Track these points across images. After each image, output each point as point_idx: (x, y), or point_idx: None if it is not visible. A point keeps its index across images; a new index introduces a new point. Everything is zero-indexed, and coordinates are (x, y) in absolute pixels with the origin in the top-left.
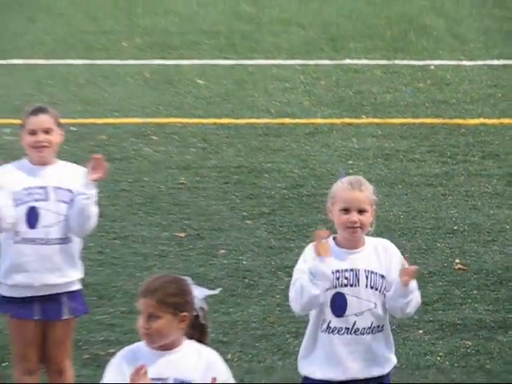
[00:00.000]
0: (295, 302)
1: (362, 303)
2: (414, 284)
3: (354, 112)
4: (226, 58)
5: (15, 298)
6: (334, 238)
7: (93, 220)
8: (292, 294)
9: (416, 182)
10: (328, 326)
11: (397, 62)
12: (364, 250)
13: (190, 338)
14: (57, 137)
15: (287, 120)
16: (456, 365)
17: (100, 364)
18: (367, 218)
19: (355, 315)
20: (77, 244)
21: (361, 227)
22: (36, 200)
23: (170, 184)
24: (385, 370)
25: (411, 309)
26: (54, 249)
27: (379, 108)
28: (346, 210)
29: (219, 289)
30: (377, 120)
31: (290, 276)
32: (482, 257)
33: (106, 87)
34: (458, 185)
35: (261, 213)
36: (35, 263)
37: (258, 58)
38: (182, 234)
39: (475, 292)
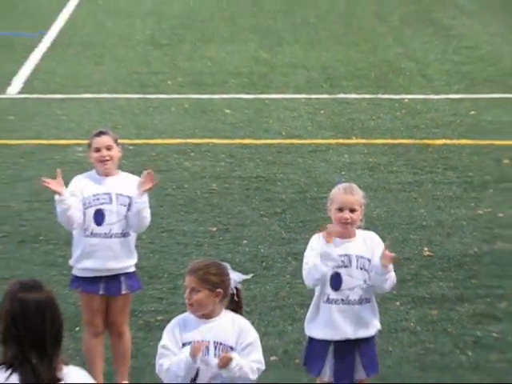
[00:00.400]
0: (308, 278)
1: (354, 280)
2: (390, 267)
3: (346, 134)
4: (247, 93)
5: (85, 277)
6: None
7: (147, 220)
8: (305, 272)
9: (394, 189)
10: (328, 298)
11: (379, 96)
12: (355, 240)
13: (231, 308)
14: (116, 153)
15: (295, 141)
16: (425, 329)
17: (151, 329)
18: (357, 215)
19: (348, 290)
20: (133, 237)
21: (351, 223)
22: (102, 204)
23: (204, 190)
24: (370, 332)
25: (388, 286)
26: (115, 241)
27: (365, 131)
28: (341, 209)
29: (251, 274)
30: (363, 141)
31: (297, 261)
32: (445, 246)
33: (155, 115)
34: (426, 190)
35: (274, 212)
36: (101, 252)
37: (272, 93)
38: (214, 229)
39: (440, 273)
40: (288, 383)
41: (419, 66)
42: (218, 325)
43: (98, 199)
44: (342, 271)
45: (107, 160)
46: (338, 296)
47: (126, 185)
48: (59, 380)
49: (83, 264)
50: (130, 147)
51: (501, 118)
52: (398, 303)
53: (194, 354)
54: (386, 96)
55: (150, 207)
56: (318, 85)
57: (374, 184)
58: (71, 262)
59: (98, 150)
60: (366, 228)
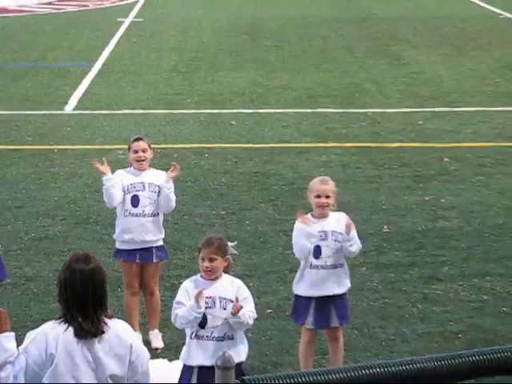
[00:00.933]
0: (299, 254)
1: (330, 250)
2: (353, 234)
3: (324, 140)
4: (248, 108)
5: (125, 249)
6: (312, 214)
7: (173, 202)
8: (295, 248)
9: (361, 181)
10: (311, 264)
11: (349, 110)
12: (329, 219)
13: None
14: (149, 154)
15: (284, 145)
16: (385, 288)
17: (175, 289)
18: (331, 200)
19: (326, 257)
20: (161, 217)
21: (327, 206)
22: (137, 190)
23: (216, 183)
24: (342, 290)
25: (354, 250)
26: (147, 220)
27: (338, 137)
28: (319, 196)
29: (235, 242)
30: (337, 144)
31: (287, 236)
32: (400, 224)
33: (177, 126)
34: (385, 182)
35: (269, 199)
36: (137, 228)
37: (267, 108)
38: (223, 212)
39: (396, 245)
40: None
41: (378, 87)
42: (221, 284)
43: (134, 187)
44: (321, 243)
45: (142, 160)
46: (318, 263)
47: (156, 176)
48: (102, 332)
49: (123, 237)
50: (158, 150)
51: (442, 126)
52: (363, 268)
53: (196, 299)
54: (353, 110)
55: (176, 196)
56: (301, 102)
57: (345, 177)
58: (114, 236)
59: (135, 151)
60: (339, 210)
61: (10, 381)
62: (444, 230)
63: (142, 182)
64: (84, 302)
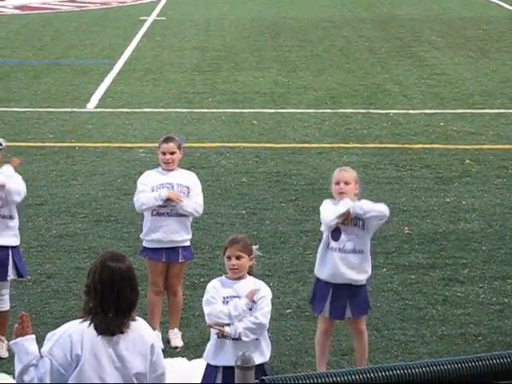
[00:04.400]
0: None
1: (350, 234)
2: (362, 202)
3: (345, 140)
4: (269, 108)
5: (151, 247)
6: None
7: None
8: (323, 215)
9: (382, 182)
10: (328, 245)
11: (371, 111)
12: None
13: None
14: (178, 156)
15: (305, 145)
16: (405, 289)
17: (195, 288)
18: (350, 187)
19: (345, 241)
20: (189, 218)
21: (345, 192)
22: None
23: (236, 182)
24: (361, 277)
25: (382, 209)
26: (175, 220)
27: (360, 138)
28: (338, 183)
29: (257, 245)
30: (358, 145)
31: (308, 236)
32: (421, 226)
33: (199, 125)
34: (406, 183)
35: (290, 199)
36: (164, 228)
37: (289, 108)
38: (244, 212)
39: (417, 246)
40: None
41: (401, 88)
42: (245, 284)
43: (163, 187)
44: (341, 227)
45: (169, 162)
46: (336, 245)
47: (185, 177)
48: (122, 332)
49: (151, 236)
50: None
51: (463, 128)
52: (384, 270)
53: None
54: (375, 111)
55: None
56: (323, 102)
57: (366, 178)
58: (142, 235)
59: (163, 153)
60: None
61: (35, 382)
62: (465, 232)
63: (170, 183)
64: (121, 300)
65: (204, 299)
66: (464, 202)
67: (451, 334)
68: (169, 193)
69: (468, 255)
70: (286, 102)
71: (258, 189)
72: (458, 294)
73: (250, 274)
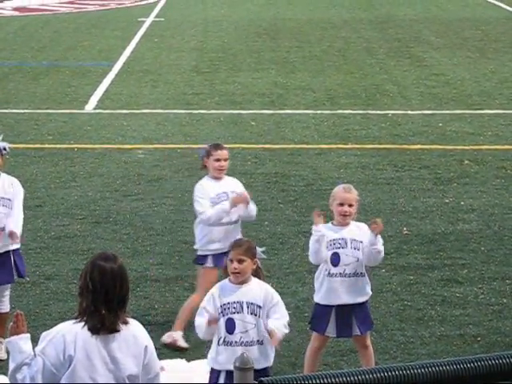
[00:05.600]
0: (312, 258)
1: (349, 258)
2: (379, 239)
3: (344, 141)
4: (268, 109)
5: (210, 255)
6: (332, 222)
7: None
8: (310, 254)
9: (380, 183)
10: (329, 272)
11: (369, 111)
12: (350, 227)
13: (254, 276)
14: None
15: (304, 146)
16: (404, 290)
17: (194, 289)
18: (353, 209)
19: (345, 265)
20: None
21: (349, 215)
22: (222, 200)
23: None
24: (363, 298)
25: (379, 257)
26: (233, 227)
27: (358, 139)
28: (342, 204)
29: (264, 247)
30: (357, 146)
31: (306, 237)
32: (419, 226)
33: (198, 126)
34: (405, 184)
35: (289, 200)
36: (224, 236)
37: (287, 109)
38: None
39: (415, 247)
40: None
41: (399, 88)
42: (249, 289)
43: (219, 198)
44: (340, 251)
45: (223, 169)
46: (337, 270)
47: (235, 184)
48: (118, 330)
49: (210, 247)
50: (178, 150)
51: (462, 128)
52: (383, 270)
53: (209, 323)
54: (374, 112)
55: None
56: (322, 103)
57: (365, 179)
58: (197, 245)
59: (218, 160)
60: (358, 213)
61: (27, 381)
62: (464, 233)
63: (225, 192)
64: (110, 297)
65: (200, 306)
66: (463, 203)
67: (450, 334)
68: (233, 199)
69: (467, 256)
70: (285, 103)
71: (257, 190)
72: (457, 295)
73: (255, 276)
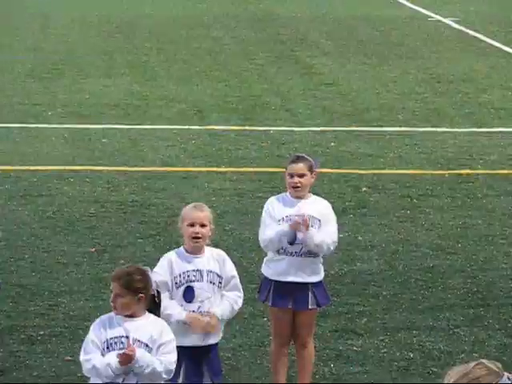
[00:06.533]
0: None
1: (203, 293)
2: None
3: (216, 163)
4: (123, 124)
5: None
6: (184, 247)
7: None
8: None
9: (261, 213)
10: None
11: (246, 127)
12: (203, 256)
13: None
14: (308, 180)
15: (168, 168)
16: (291, 343)
17: (33, 343)
18: (206, 231)
19: (199, 302)
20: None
21: (201, 238)
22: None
23: (83, 213)
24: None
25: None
26: (304, 259)
27: (234, 160)
28: (192, 225)
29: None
30: (232, 169)
31: None
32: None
33: (36, 144)
34: None
35: (149, 234)
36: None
37: (147, 124)
38: (92, 249)
39: None
40: None
41: (283, 100)
42: (140, 324)
43: (290, 220)
44: (195, 284)
45: (298, 186)
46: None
47: (317, 208)
48: None
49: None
50: (11, 174)
51: (359, 149)
52: (265, 319)
53: (123, 363)
54: (252, 128)
55: (32, 229)
56: (189, 117)
57: (242, 209)
58: (268, 275)
59: (291, 175)
60: (234, 249)
61: None
62: (362, 274)
63: (300, 215)
64: None
65: (84, 341)
66: (360, 238)
67: None
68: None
69: (366, 302)
70: (144, 117)
71: (110, 221)
72: (355, 349)
73: (152, 312)
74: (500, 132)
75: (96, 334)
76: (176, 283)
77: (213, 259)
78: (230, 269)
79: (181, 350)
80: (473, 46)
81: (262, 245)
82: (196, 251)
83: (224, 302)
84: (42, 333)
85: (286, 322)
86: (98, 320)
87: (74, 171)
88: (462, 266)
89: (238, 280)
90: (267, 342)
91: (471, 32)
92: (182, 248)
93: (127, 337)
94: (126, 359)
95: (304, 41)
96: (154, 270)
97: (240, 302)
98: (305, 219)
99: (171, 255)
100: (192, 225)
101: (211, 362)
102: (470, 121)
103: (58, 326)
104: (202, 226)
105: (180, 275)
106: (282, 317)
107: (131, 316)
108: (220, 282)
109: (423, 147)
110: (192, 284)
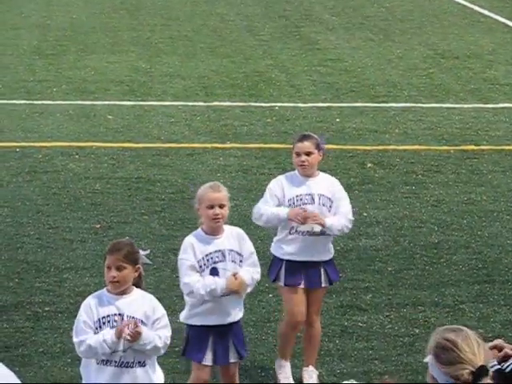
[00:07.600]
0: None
1: (226, 272)
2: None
3: (221, 139)
4: (128, 100)
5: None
6: (202, 228)
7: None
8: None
9: (265, 189)
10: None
11: (251, 104)
12: (223, 235)
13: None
14: (316, 157)
15: (173, 145)
16: None
17: (39, 319)
18: (224, 211)
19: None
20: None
21: (221, 218)
22: (304, 204)
23: (88, 190)
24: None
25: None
26: (316, 238)
27: (239, 136)
28: (212, 207)
29: (148, 250)
30: (237, 145)
31: (176, 256)
32: None
33: (41, 120)
34: None
35: (154, 211)
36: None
37: (151, 100)
38: (98, 226)
39: None
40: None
41: (288, 76)
42: (132, 300)
43: (300, 199)
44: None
45: (305, 165)
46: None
47: (326, 185)
48: None
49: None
50: (17, 150)
51: (364, 125)
52: (270, 295)
53: (119, 335)
54: (257, 104)
55: (37, 205)
56: (194, 93)
57: (247, 185)
58: (279, 255)
59: (298, 154)
60: (239, 225)
61: None
62: (367, 250)
63: (310, 194)
64: None
65: (75, 323)
66: (365, 214)
67: (352, 372)
68: (289, 212)
69: (371, 278)
70: (149, 93)
71: (115, 198)
72: (360, 325)
73: (138, 286)
74: (505, 108)
75: (87, 314)
76: (200, 266)
77: (232, 238)
78: (249, 246)
79: (208, 327)
80: (478, 22)
81: (253, 216)
82: (216, 232)
83: (244, 271)
84: (47, 309)
85: (299, 300)
86: (87, 300)
87: (79, 148)
88: (467, 241)
89: (256, 257)
90: (272, 318)
91: (476, 8)
92: (199, 230)
93: (120, 314)
94: (136, 336)
95: (309, 17)
96: (180, 256)
97: (258, 276)
98: (304, 214)
99: (191, 239)
100: (211, 207)
101: (237, 337)
102: (475, 97)
103: (63, 302)
104: (221, 206)
105: (203, 258)
106: (295, 296)
107: (122, 293)
108: (241, 261)
109: (428, 123)
110: (216, 265)
